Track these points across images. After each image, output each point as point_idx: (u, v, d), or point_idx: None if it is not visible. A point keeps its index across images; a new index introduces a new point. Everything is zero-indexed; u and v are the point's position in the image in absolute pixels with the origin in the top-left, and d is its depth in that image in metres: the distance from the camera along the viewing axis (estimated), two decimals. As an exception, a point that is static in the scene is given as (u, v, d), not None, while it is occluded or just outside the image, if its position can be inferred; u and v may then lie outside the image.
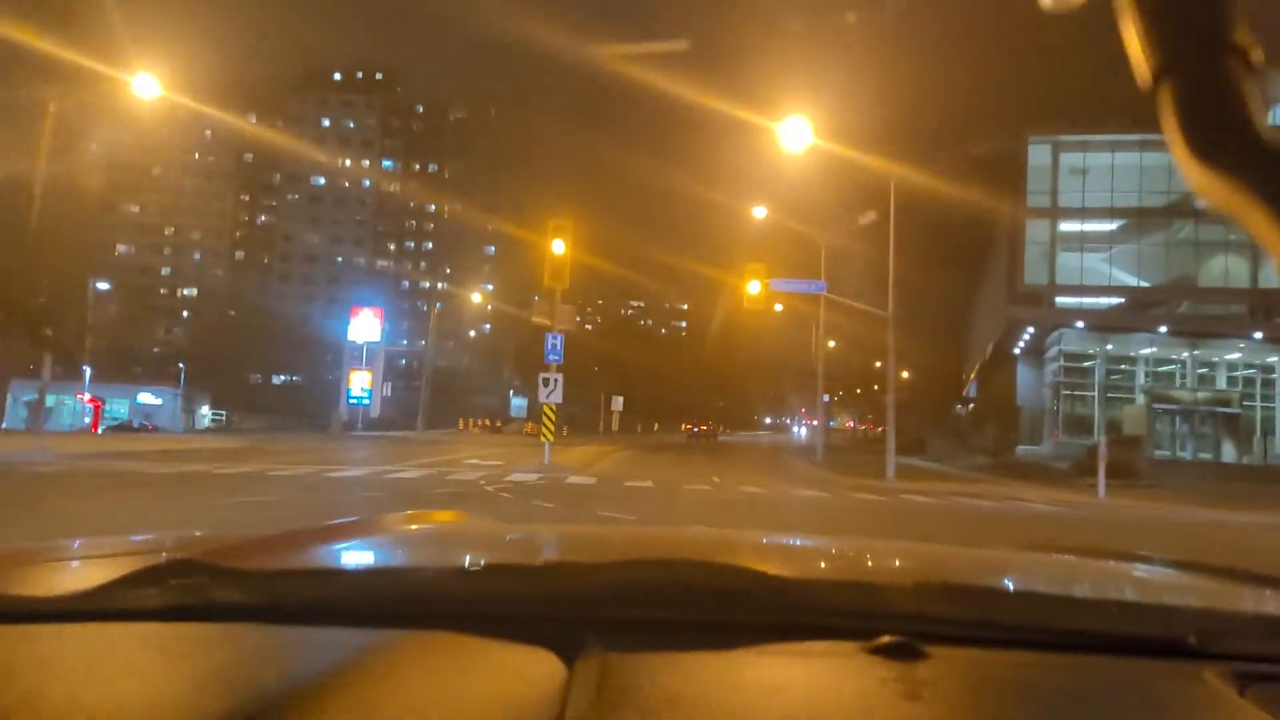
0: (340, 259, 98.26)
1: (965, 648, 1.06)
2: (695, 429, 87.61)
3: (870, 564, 1.78)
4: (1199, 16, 0.70)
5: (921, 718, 0.91)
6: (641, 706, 0.90)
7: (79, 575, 1.27)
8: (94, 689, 0.94)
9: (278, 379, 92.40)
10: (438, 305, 74.05)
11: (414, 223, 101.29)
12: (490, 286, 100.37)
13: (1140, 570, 1.75)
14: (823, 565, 1.78)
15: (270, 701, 0.87)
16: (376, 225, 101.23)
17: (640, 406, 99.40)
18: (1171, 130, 0.70)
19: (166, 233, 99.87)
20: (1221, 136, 0.68)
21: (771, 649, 1.05)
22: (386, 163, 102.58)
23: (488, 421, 62.81)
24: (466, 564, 1.38)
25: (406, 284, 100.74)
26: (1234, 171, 0.67)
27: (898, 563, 1.81)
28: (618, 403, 44.79)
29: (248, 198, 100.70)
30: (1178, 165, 0.70)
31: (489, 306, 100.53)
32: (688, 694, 0.94)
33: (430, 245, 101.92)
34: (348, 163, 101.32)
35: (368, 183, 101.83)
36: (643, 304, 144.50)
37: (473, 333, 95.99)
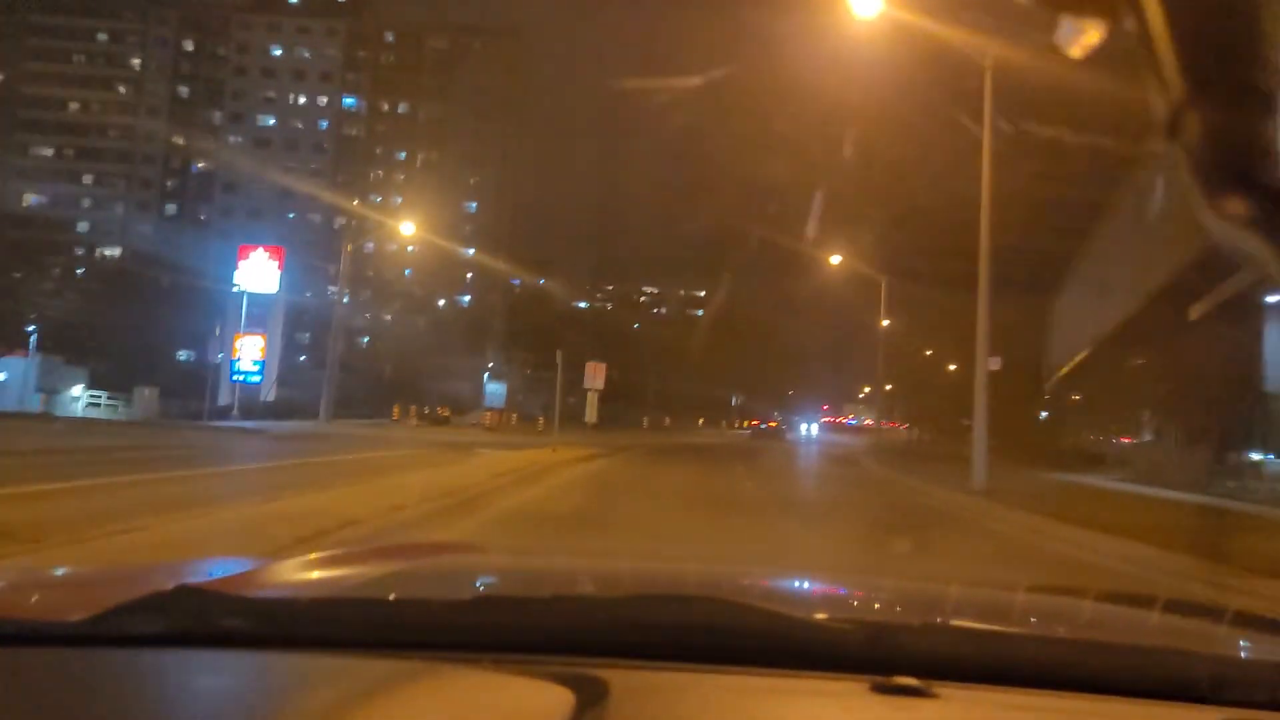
0: (292, 214, 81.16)
1: (975, 688, 1.06)
2: (762, 424, 71.11)
3: (881, 604, 1.77)
4: (1214, 58, 0.67)
5: None
6: None
7: (84, 600, 1.26)
8: (98, 714, 0.94)
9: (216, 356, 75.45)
10: (368, 251, 56.75)
11: (381, 173, 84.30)
12: (472, 250, 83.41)
13: (1154, 615, 1.71)
14: (834, 604, 1.76)
15: None
16: (336, 175, 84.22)
17: (651, 399, 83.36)
18: (1187, 173, 0.68)
19: (85, 181, 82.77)
20: (1237, 180, 0.67)
21: (780, 686, 1.06)
22: (349, 101, 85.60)
23: (441, 410, 45.62)
24: (474, 595, 1.39)
25: (371, 246, 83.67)
26: (1251, 216, 0.66)
27: (909, 603, 1.79)
28: (593, 377, 27.32)
29: (182, 140, 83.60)
30: (1194, 208, 0.68)
31: (469, 275, 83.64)
32: None
33: (400, 200, 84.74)
34: (303, 100, 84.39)
35: (325, 124, 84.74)
36: (656, 290, 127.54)
37: (442, 302, 78.79)
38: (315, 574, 1.72)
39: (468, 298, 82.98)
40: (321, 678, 1.04)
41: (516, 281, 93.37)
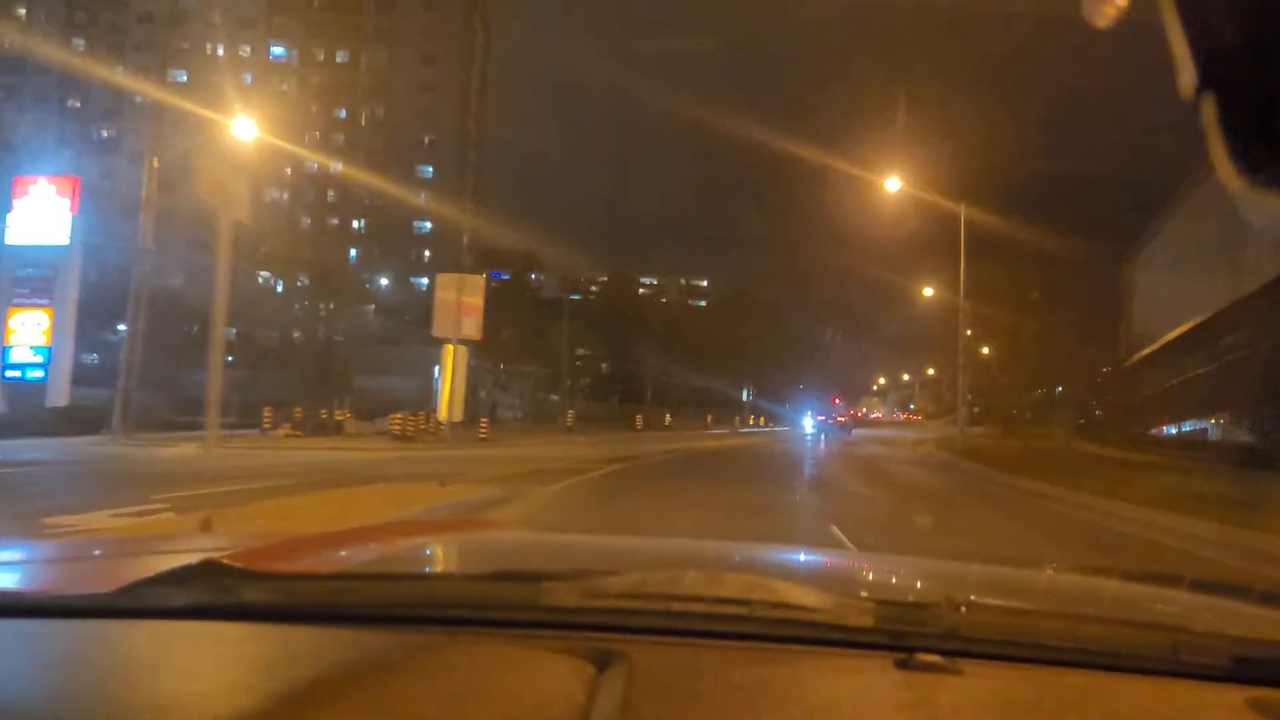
0: (212, 188, 67.23)
1: (998, 665, 1.07)
2: (829, 418, 59.25)
3: (906, 581, 1.77)
4: (1236, 30, 0.67)
5: None
6: (665, 714, 0.91)
7: (109, 573, 1.31)
8: (122, 685, 0.97)
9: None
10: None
11: (317, 134, 70.36)
12: (427, 225, 69.93)
13: (1182, 595, 1.71)
14: (858, 581, 1.75)
15: (296, 700, 0.88)
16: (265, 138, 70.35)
17: (650, 394, 70.38)
18: (1213, 141, 0.68)
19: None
20: (1260, 148, 0.66)
21: (803, 661, 1.06)
22: (277, 50, 71.82)
23: (340, 414, 31.63)
24: (495, 569, 1.39)
25: (307, 220, 70.18)
26: (1274, 176, 0.65)
27: (934, 580, 1.79)
28: (454, 315, 13.61)
29: (79, 104, 70.01)
30: (1220, 175, 0.68)
31: (425, 253, 70.25)
32: (715, 703, 0.95)
33: (339, 166, 71.03)
34: (221, 51, 70.73)
35: (250, 78, 70.94)
36: (655, 281, 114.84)
37: (385, 282, 65.06)
38: (338, 549, 1.70)
39: (425, 280, 69.19)
40: (343, 651, 1.04)
41: (502, 276, 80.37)
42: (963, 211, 32.29)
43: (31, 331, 31.47)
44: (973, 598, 1.22)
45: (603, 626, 1.10)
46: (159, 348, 37.66)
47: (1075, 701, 1.00)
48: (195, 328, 54.67)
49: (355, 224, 71.02)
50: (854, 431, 56.59)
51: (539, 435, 37.28)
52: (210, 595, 1.16)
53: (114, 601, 1.17)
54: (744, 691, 0.96)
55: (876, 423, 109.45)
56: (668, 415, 58.91)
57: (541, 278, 78.64)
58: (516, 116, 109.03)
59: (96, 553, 1.72)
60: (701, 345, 76.13)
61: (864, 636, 1.09)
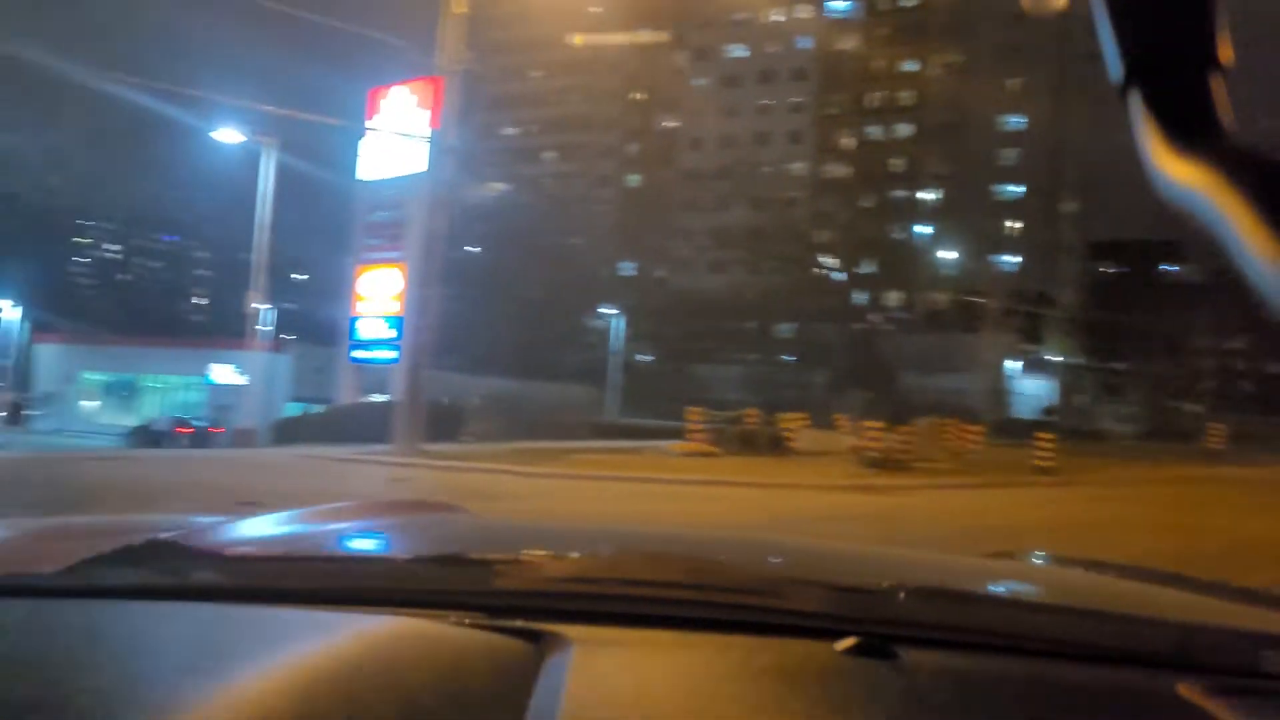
0: (767, 168, 61.60)
1: (936, 651, 1.07)
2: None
3: (844, 565, 1.79)
4: (1169, 18, 0.68)
5: (888, 718, 0.95)
6: (606, 698, 0.93)
7: (54, 553, 1.30)
8: (65, 667, 0.96)
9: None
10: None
11: (877, 96, 60.65)
12: (1021, 188, 56.61)
13: (1119, 580, 1.76)
14: (796, 564, 1.76)
15: (241, 681, 0.89)
16: (821, 107, 62.68)
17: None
18: (1141, 132, 0.69)
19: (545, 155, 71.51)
20: (1190, 143, 0.66)
21: (740, 645, 1.07)
22: (834, 4, 63.46)
23: (841, 420, 20.89)
24: (441, 552, 1.40)
25: (873, 196, 60.97)
26: (1203, 176, 0.66)
27: (872, 565, 1.81)
28: None
29: (642, 95, 68.65)
30: (1147, 169, 0.69)
31: (1007, 225, 57.11)
32: (652, 686, 0.97)
33: (906, 127, 60.47)
34: (775, 15, 64.61)
35: (808, 42, 63.65)
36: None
37: (952, 256, 52.54)
38: (287, 529, 1.72)
39: (1006, 258, 55.44)
40: (290, 631, 1.05)
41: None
42: None
43: (382, 296, 23.74)
44: (910, 582, 1.19)
45: (545, 611, 1.10)
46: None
47: (1012, 687, 1.01)
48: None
49: (920, 194, 59.87)
50: None
51: (1147, 464, 22.66)
52: (158, 575, 1.16)
53: (57, 581, 1.16)
54: (680, 674, 0.99)
55: None
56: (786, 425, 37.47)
57: (1182, 269, 60.02)
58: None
59: (36, 533, 1.67)
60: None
61: (805, 621, 1.09)
